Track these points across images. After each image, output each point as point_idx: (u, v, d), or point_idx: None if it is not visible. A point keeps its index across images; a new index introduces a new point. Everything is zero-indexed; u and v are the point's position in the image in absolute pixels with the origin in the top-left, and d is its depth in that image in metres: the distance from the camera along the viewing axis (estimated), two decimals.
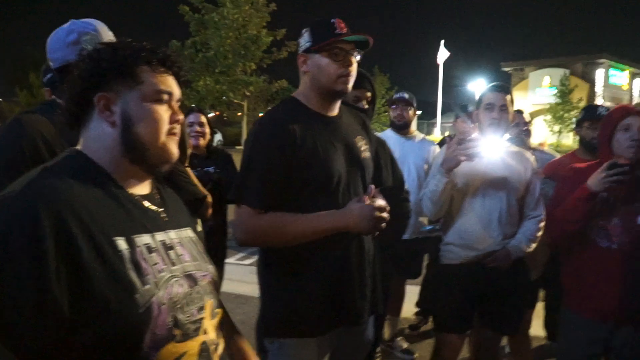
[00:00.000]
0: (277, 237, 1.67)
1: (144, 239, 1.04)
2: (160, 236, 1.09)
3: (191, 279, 1.10)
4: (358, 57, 1.77)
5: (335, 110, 1.84)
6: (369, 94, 2.44)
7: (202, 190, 2.46)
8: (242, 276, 4.97)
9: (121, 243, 0.99)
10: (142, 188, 1.15)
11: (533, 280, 2.79)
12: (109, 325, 0.92)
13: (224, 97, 20.27)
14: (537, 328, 3.25)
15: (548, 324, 3.28)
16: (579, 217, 2.18)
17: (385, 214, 1.64)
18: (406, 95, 3.71)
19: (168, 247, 1.09)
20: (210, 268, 1.20)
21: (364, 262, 1.82)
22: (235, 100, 20.50)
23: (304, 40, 1.78)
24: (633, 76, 46.09)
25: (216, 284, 1.20)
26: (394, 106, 3.70)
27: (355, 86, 2.28)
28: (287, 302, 1.74)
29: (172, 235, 1.13)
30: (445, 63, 21.69)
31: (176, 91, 1.15)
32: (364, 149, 1.86)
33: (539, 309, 3.21)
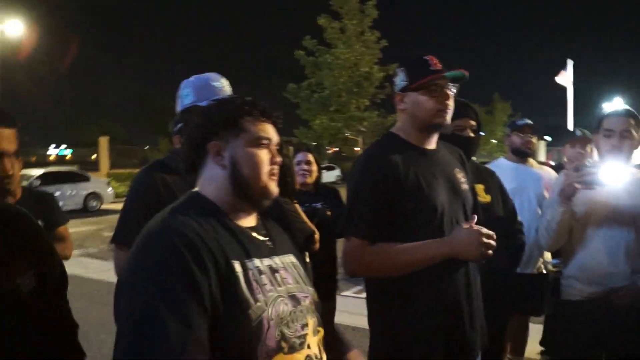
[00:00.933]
0: (385, 266, 1.70)
1: (254, 263, 1.19)
2: (267, 261, 1.24)
3: (295, 299, 1.23)
4: (454, 90, 1.80)
5: (433, 144, 1.87)
6: (473, 122, 2.42)
7: (310, 227, 2.56)
8: (361, 309, 4.95)
9: (237, 266, 1.14)
10: (250, 221, 1.30)
11: None
12: (226, 336, 1.08)
13: (339, 134, 20.85)
14: None
15: None
16: None
17: (492, 241, 1.61)
18: (530, 121, 3.54)
19: (274, 271, 1.23)
20: (311, 290, 1.33)
21: (472, 293, 1.79)
22: (351, 136, 21.00)
23: (400, 79, 1.83)
24: None
25: (317, 304, 1.31)
26: (520, 133, 3.50)
27: (458, 116, 2.27)
28: (397, 334, 1.74)
29: (277, 260, 1.27)
30: (576, 83, 20.24)
31: (274, 137, 1.30)
32: (463, 181, 1.87)
33: None
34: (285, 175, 2.58)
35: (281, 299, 1.18)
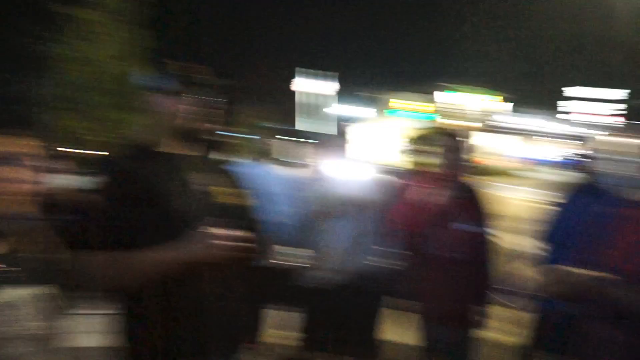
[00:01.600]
0: (123, 276, 1.62)
1: None
2: None
3: None
4: (207, 99, 1.82)
5: (179, 148, 1.84)
6: (219, 126, 2.46)
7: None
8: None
9: None
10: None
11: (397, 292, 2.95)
12: None
13: (99, 137, 19.08)
14: None
15: None
16: (413, 229, 2.43)
17: (234, 242, 1.65)
18: (269, 125, 3.77)
19: None
20: None
21: (220, 292, 1.80)
22: (107, 140, 19.42)
23: (153, 80, 1.80)
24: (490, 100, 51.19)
25: None
26: (260, 135, 3.75)
27: (202, 120, 2.32)
28: (145, 347, 1.70)
29: None
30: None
31: None
32: (205, 184, 1.87)
33: None
34: None
35: None
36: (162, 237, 1.66)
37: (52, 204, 2.93)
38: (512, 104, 46.98)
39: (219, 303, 1.80)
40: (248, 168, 3.65)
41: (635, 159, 2.42)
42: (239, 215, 2.60)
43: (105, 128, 19.11)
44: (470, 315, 2.52)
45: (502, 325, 2.64)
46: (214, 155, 2.37)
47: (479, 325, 2.56)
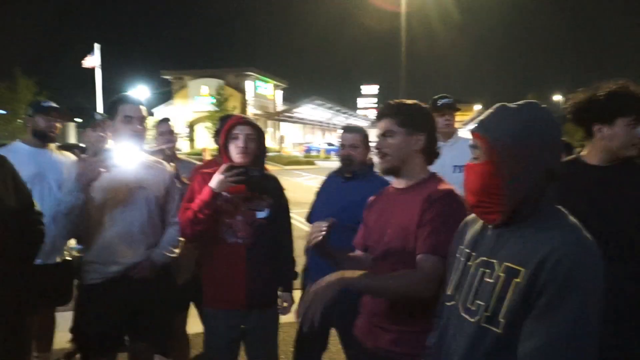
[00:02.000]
0: None
1: None
2: None
3: None
4: None
5: None
6: None
7: None
8: None
9: None
10: None
11: (182, 283, 2.88)
12: None
13: None
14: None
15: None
16: (205, 216, 2.36)
17: None
18: (56, 105, 3.33)
19: None
20: None
21: None
22: None
23: None
24: (275, 87, 53.72)
25: None
26: (45, 115, 3.26)
27: None
28: None
29: None
30: (106, 67, 20.76)
31: None
32: None
33: None
34: None
35: None
36: None
37: None
38: (313, 98, 50.60)
39: None
40: (20, 151, 3.20)
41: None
42: (11, 206, 2.26)
43: None
44: (272, 300, 2.60)
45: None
46: None
47: (284, 310, 2.65)
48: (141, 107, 2.54)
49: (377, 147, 1.87)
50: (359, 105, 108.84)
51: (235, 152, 2.40)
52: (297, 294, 2.72)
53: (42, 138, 3.29)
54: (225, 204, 2.42)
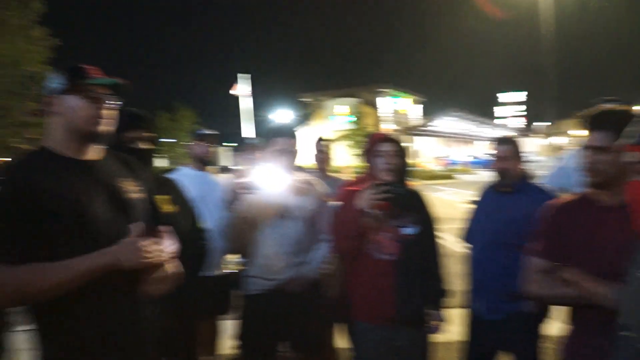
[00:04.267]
0: (34, 289, 1.49)
1: None
2: None
3: None
4: (116, 102, 1.75)
5: (92, 154, 1.75)
6: (146, 134, 2.36)
7: None
8: None
9: None
10: None
11: (332, 298, 2.95)
12: None
13: (3, 143, 17.77)
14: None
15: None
16: (352, 233, 2.40)
17: (157, 247, 1.61)
18: (210, 132, 3.68)
19: None
20: None
21: (139, 306, 1.72)
22: (19, 145, 18.12)
23: (55, 82, 1.69)
24: (414, 102, 53.47)
25: None
26: (201, 142, 3.60)
27: (129, 128, 2.25)
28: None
29: None
30: (253, 94, 22.63)
31: None
32: (131, 191, 1.79)
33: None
34: None
35: None
36: (80, 248, 1.56)
37: None
38: (449, 110, 49.63)
39: (139, 316, 1.72)
40: (186, 175, 3.56)
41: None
42: (178, 223, 2.53)
43: (15, 133, 17.89)
44: (421, 317, 2.54)
45: (455, 327, 2.69)
46: (146, 162, 2.28)
47: (434, 328, 2.58)
48: (292, 141, 2.66)
49: (588, 162, 1.75)
50: (496, 114, 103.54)
51: (379, 169, 2.43)
52: (455, 312, 2.64)
53: (201, 162, 3.63)
54: (371, 221, 2.44)
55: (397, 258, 2.42)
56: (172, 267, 1.69)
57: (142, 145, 2.33)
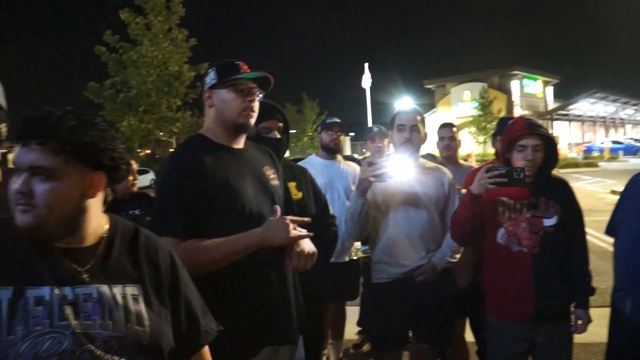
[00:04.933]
0: (200, 262, 1.67)
1: (38, 292, 1.06)
2: (64, 290, 1.08)
3: (85, 337, 1.07)
4: (260, 95, 1.91)
5: (241, 144, 1.94)
6: (280, 124, 2.47)
7: None
8: None
9: (4, 292, 1.04)
10: (78, 241, 1.16)
11: (461, 289, 2.86)
12: None
13: (151, 136, 19.80)
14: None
15: (474, 329, 3.39)
16: (466, 218, 2.32)
17: (299, 229, 1.73)
18: (338, 120, 3.76)
19: (68, 302, 1.07)
20: (135, 329, 1.14)
21: (286, 282, 1.89)
22: (163, 138, 20.11)
23: (210, 78, 1.89)
24: (545, 84, 49.55)
25: (139, 345, 1.14)
26: (328, 131, 3.66)
27: (264, 118, 2.35)
28: None
29: (84, 290, 1.10)
30: (373, 83, 22.56)
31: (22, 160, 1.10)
32: (272, 178, 1.96)
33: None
34: None
35: (53, 335, 1.04)
36: (234, 227, 1.73)
37: (127, 200, 3.06)
38: (592, 91, 45.25)
39: (282, 289, 1.87)
40: (315, 163, 3.68)
41: None
42: (312, 210, 2.63)
43: (161, 126, 19.71)
44: (563, 315, 2.37)
45: (596, 328, 2.46)
46: (280, 151, 2.39)
47: (578, 328, 2.40)
48: (413, 115, 2.62)
49: None
50: None
51: (520, 164, 2.28)
52: (596, 312, 2.42)
53: (329, 151, 3.71)
54: (509, 211, 2.32)
55: (535, 250, 2.27)
56: (310, 246, 1.81)
57: (277, 135, 2.45)
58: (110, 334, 1.10)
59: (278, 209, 1.79)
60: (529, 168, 2.25)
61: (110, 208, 2.82)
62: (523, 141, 2.28)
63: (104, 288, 1.13)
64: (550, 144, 2.32)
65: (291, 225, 1.69)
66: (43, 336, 1.03)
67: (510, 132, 2.35)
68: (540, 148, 2.28)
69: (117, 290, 1.15)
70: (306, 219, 1.77)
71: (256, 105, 1.89)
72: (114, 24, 19.54)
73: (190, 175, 1.72)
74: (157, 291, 1.22)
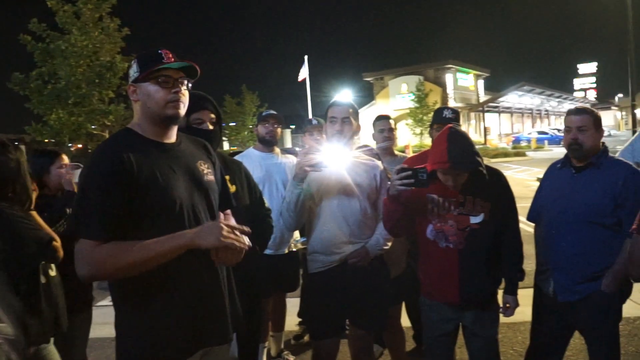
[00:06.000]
0: (122, 266, 1.58)
1: None
2: None
3: None
4: (188, 84, 1.81)
5: (172, 137, 1.84)
6: (212, 115, 2.42)
7: (48, 234, 2.30)
8: None
9: None
10: None
11: (395, 276, 2.97)
12: None
13: (82, 129, 18.87)
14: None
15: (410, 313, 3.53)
16: (388, 216, 2.44)
17: (234, 232, 1.63)
18: (274, 112, 3.75)
19: None
20: (2, 327, 1.11)
21: (219, 281, 1.82)
22: (96, 132, 19.23)
23: (133, 70, 1.78)
24: (477, 78, 51.51)
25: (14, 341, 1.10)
26: (265, 123, 3.66)
27: (195, 109, 2.31)
28: (142, 334, 1.68)
29: None
30: (313, 76, 22.64)
31: None
32: (207, 172, 1.87)
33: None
34: (14, 182, 2.26)
35: None
36: (165, 226, 1.64)
37: (52, 196, 2.94)
38: (520, 84, 47.42)
39: (215, 289, 1.80)
40: (252, 156, 3.67)
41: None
42: (246, 203, 2.63)
43: (93, 120, 18.89)
44: (489, 300, 2.51)
45: (522, 308, 2.63)
46: (213, 143, 2.36)
47: (507, 311, 2.55)
48: (345, 108, 2.67)
49: None
50: (575, 87, 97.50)
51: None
52: (521, 293, 2.58)
53: (266, 143, 3.70)
54: (437, 208, 2.41)
55: (462, 247, 2.37)
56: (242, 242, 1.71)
57: (210, 126, 2.41)
58: None
59: (221, 214, 1.70)
60: (454, 189, 2.36)
61: (41, 205, 2.69)
62: (445, 172, 2.32)
63: None
64: (473, 168, 2.29)
65: (225, 229, 1.60)
66: None
67: (432, 157, 2.32)
68: (463, 174, 2.32)
69: None
70: (246, 228, 1.67)
71: (185, 95, 1.79)
72: (40, 11, 18.41)
73: (114, 174, 1.60)
74: None
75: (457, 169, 2.27)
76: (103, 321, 3.02)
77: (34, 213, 2.36)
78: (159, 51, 1.78)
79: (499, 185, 2.49)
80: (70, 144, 23.04)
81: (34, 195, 2.41)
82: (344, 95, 36.97)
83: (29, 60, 17.95)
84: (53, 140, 18.81)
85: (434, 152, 2.31)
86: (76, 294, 2.65)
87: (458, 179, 2.32)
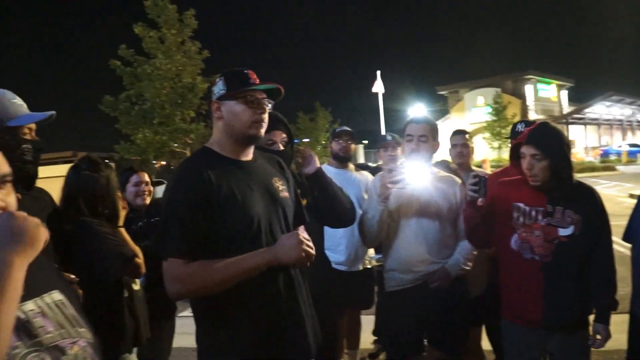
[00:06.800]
0: (208, 284, 1.63)
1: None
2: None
3: (57, 349, 1.08)
4: (270, 105, 1.84)
5: (249, 155, 1.87)
6: (284, 135, 2.45)
7: (131, 250, 2.39)
8: None
9: None
10: None
11: (476, 296, 2.84)
12: None
13: (165, 148, 19.93)
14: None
15: (491, 336, 3.36)
16: (466, 221, 2.38)
17: (310, 244, 1.68)
18: (348, 128, 3.77)
19: (24, 322, 1.05)
20: (82, 330, 1.17)
21: (299, 300, 1.81)
22: (178, 149, 20.24)
23: (218, 88, 1.82)
24: (559, 88, 49.09)
25: (93, 344, 1.17)
26: (338, 140, 3.68)
27: (268, 129, 2.35)
28: (221, 350, 1.70)
29: (28, 307, 1.08)
30: (386, 91, 22.56)
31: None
32: (282, 189, 1.89)
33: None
34: (104, 198, 2.39)
35: (34, 354, 1.02)
36: (242, 242, 1.68)
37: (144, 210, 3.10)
38: (609, 94, 44.74)
39: (294, 305, 1.80)
40: (329, 173, 3.68)
41: None
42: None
43: (176, 138, 19.86)
44: (578, 325, 2.33)
45: (616, 335, 2.41)
46: (286, 162, 2.38)
47: (596, 343, 2.34)
48: (422, 126, 2.62)
49: None
50: None
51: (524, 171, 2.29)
52: (615, 319, 2.37)
53: (340, 160, 3.71)
54: (524, 217, 2.30)
55: (548, 259, 2.24)
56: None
57: (281, 147, 2.44)
58: (71, 341, 1.12)
59: (300, 228, 1.75)
60: (531, 178, 2.24)
61: (128, 220, 2.81)
62: (523, 149, 2.28)
63: (39, 300, 1.13)
64: (553, 154, 2.24)
65: (305, 244, 1.65)
66: (25, 357, 1.01)
67: (520, 139, 2.33)
68: (540, 157, 2.23)
69: (48, 299, 1.15)
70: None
71: (266, 116, 1.83)
72: (128, 38, 19.77)
73: (197, 192, 1.65)
74: None
75: (531, 143, 2.24)
76: (185, 331, 3.12)
77: (122, 230, 2.46)
78: (245, 71, 1.82)
79: (591, 199, 2.34)
80: (154, 162, 24.35)
81: (124, 213, 2.52)
82: (417, 109, 36.53)
83: (117, 83, 19.27)
84: (139, 158, 19.94)
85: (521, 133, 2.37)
86: (161, 303, 2.75)
87: (536, 165, 2.23)
